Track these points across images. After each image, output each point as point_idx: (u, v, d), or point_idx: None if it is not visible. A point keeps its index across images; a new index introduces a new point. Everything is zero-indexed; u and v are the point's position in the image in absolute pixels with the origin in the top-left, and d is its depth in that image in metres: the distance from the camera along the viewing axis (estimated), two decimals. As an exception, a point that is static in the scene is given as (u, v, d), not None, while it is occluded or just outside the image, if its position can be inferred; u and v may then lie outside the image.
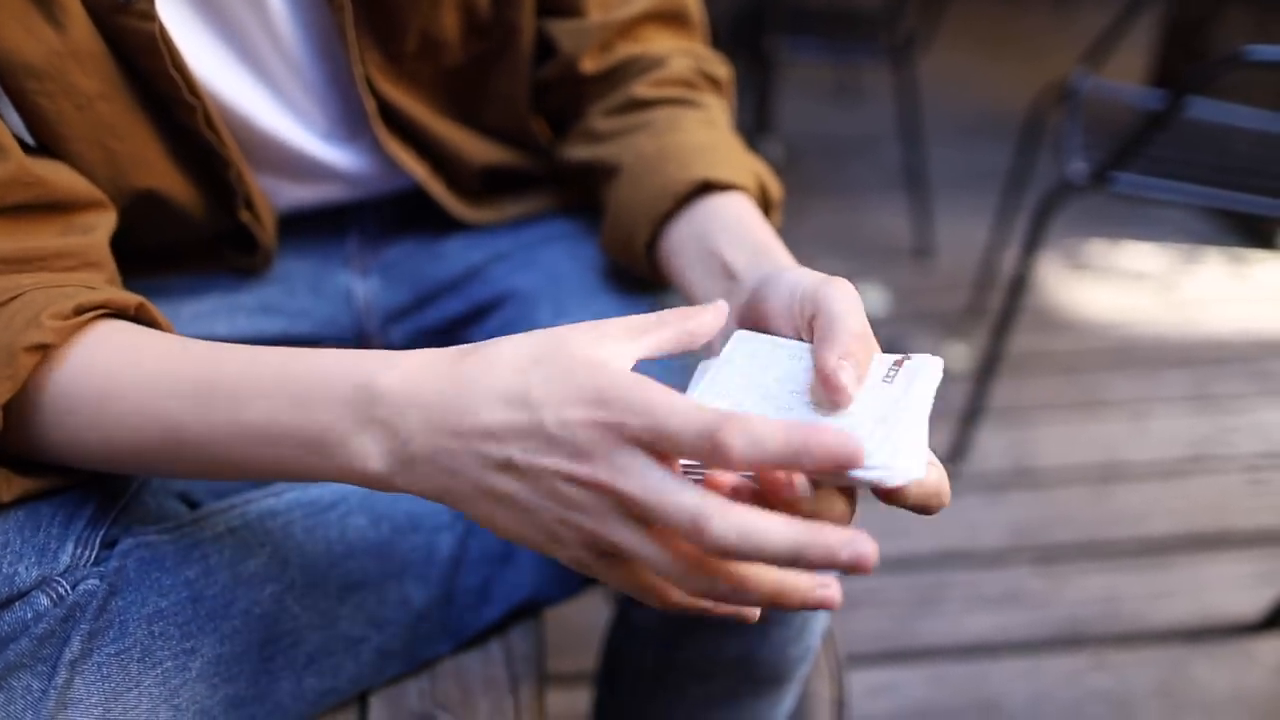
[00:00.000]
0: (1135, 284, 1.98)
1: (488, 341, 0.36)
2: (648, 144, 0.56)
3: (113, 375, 0.38)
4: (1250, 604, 1.23)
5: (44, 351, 0.37)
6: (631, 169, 0.55)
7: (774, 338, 0.42)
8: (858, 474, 0.33)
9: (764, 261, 0.46)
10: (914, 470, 0.33)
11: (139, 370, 0.38)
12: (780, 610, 0.33)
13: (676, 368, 0.55)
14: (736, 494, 0.32)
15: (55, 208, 0.44)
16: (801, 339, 0.41)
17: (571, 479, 0.32)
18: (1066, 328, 1.83)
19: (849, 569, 0.29)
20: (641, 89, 0.58)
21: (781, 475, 0.32)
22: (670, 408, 0.31)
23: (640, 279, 0.61)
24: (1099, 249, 2.10)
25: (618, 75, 0.60)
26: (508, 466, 0.33)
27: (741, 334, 0.43)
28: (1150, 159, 1.22)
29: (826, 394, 0.36)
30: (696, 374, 0.42)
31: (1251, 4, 2.04)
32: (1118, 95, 1.55)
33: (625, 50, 0.59)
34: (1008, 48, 3.35)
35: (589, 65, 0.59)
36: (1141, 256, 2.07)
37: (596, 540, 0.33)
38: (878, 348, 0.39)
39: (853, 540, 0.29)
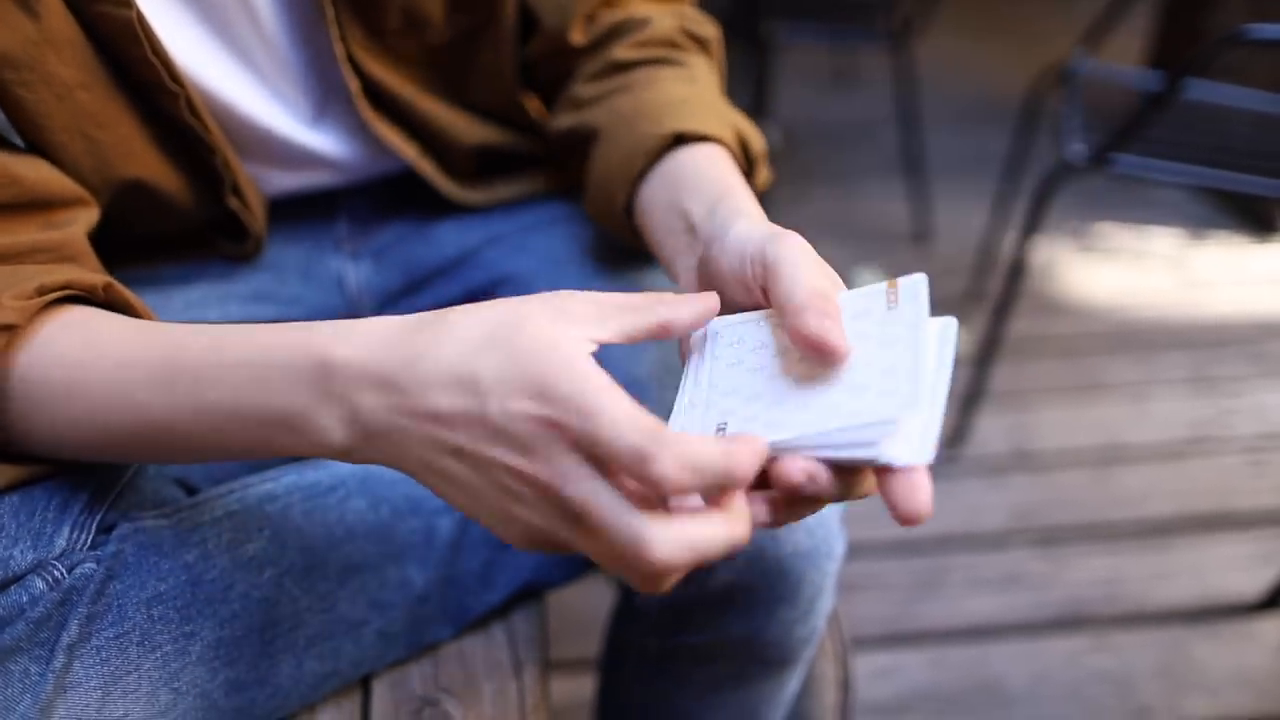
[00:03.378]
0: (1134, 267, 1.97)
1: (445, 311, 0.35)
2: (625, 104, 0.54)
3: (80, 365, 0.37)
4: (1250, 584, 1.23)
5: (9, 334, 0.36)
6: (608, 130, 0.54)
7: (751, 315, 0.39)
8: (862, 456, 0.32)
9: (720, 209, 0.44)
10: (925, 452, 0.32)
11: (103, 359, 0.37)
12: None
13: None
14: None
15: (33, 206, 0.43)
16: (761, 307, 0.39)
17: (515, 473, 0.32)
18: (1066, 311, 1.83)
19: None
20: (622, 51, 0.57)
21: (800, 478, 0.32)
22: (610, 417, 0.30)
23: (641, 262, 0.60)
24: (1097, 232, 2.10)
25: (603, 42, 0.59)
26: (457, 452, 0.32)
27: (715, 324, 0.40)
28: (1149, 140, 1.21)
29: (820, 360, 0.35)
30: (689, 365, 0.40)
31: (1249, -16, 2.03)
32: (1115, 77, 1.54)
33: (611, 17, 0.59)
34: (1004, 32, 3.33)
35: (578, 37, 0.58)
36: (1140, 239, 2.07)
37: (539, 530, 0.33)
38: (844, 286, 0.38)
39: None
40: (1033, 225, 1.28)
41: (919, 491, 0.31)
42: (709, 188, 0.46)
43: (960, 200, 2.17)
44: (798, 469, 0.32)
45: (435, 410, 0.32)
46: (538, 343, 0.32)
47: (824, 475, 0.32)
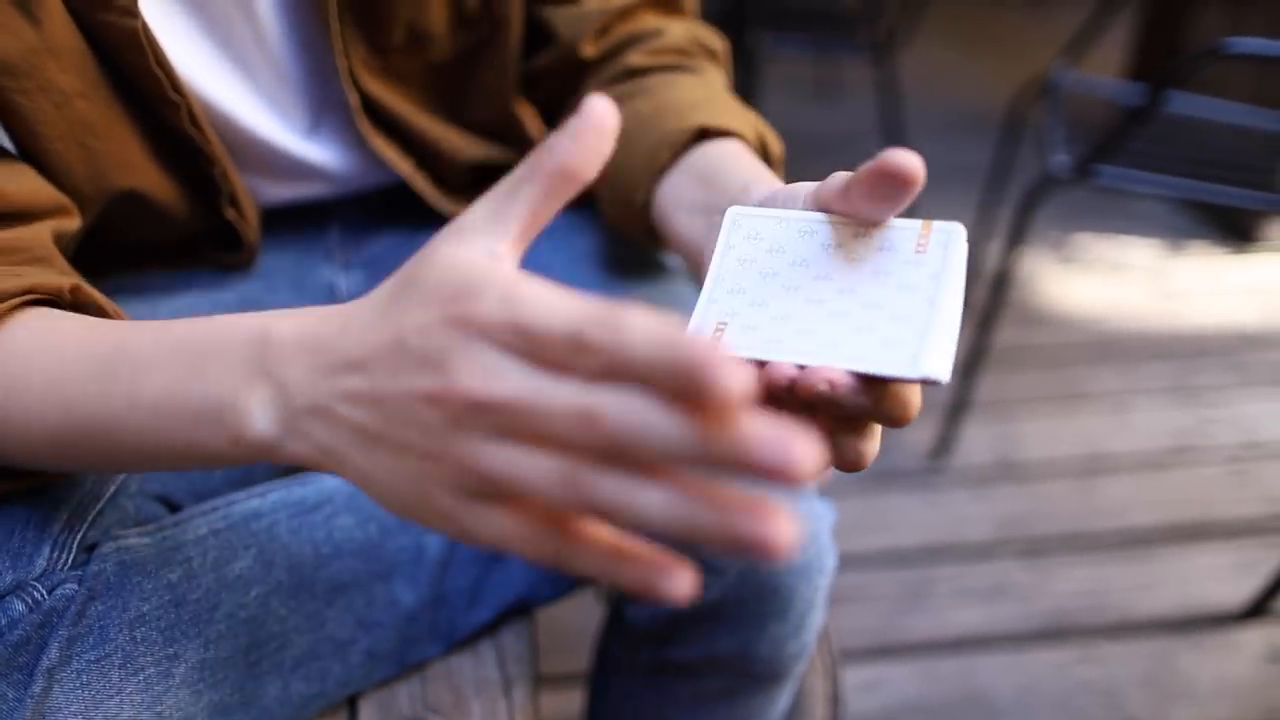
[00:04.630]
0: (1115, 278, 1.99)
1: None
2: (644, 105, 0.53)
3: (26, 361, 0.36)
4: (1233, 593, 1.24)
5: None
6: (627, 131, 0.52)
7: (776, 211, 0.37)
8: (891, 375, 0.31)
9: (755, 189, 0.41)
10: (942, 369, 0.31)
11: (50, 355, 0.36)
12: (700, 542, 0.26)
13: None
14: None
15: (16, 218, 0.42)
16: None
17: (429, 398, 0.27)
18: (1048, 322, 1.84)
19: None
20: (637, 58, 0.57)
21: (822, 388, 0.30)
22: (533, 296, 0.26)
23: (634, 270, 0.60)
24: (1078, 243, 2.11)
25: (615, 52, 0.59)
26: (371, 400, 0.29)
27: (735, 212, 0.37)
28: (1131, 152, 1.22)
29: (896, 184, 0.32)
30: (712, 258, 0.37)
31: (1226, -1, 2.06)
32: (1096, 89, 1.55)
33: (624, 30, 0.59)
34: (986, 44, 3.37)
35: (589, 50, 0.58)
36: (1122, 251, 2.09)
37: (466, 472, 0.27)
38: None
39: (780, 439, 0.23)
40: (1018, 236, 1.29)
41: (909, 407, 0.32)
42: (737, 175, 0.44)
43: (944, 211, 2.17)
44: (821, 378, 0.31)
45: (350, 357, 0.29)
46: (444, 263, 0.29)
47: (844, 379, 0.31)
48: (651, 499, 0.25)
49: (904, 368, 0.31)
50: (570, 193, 0.30)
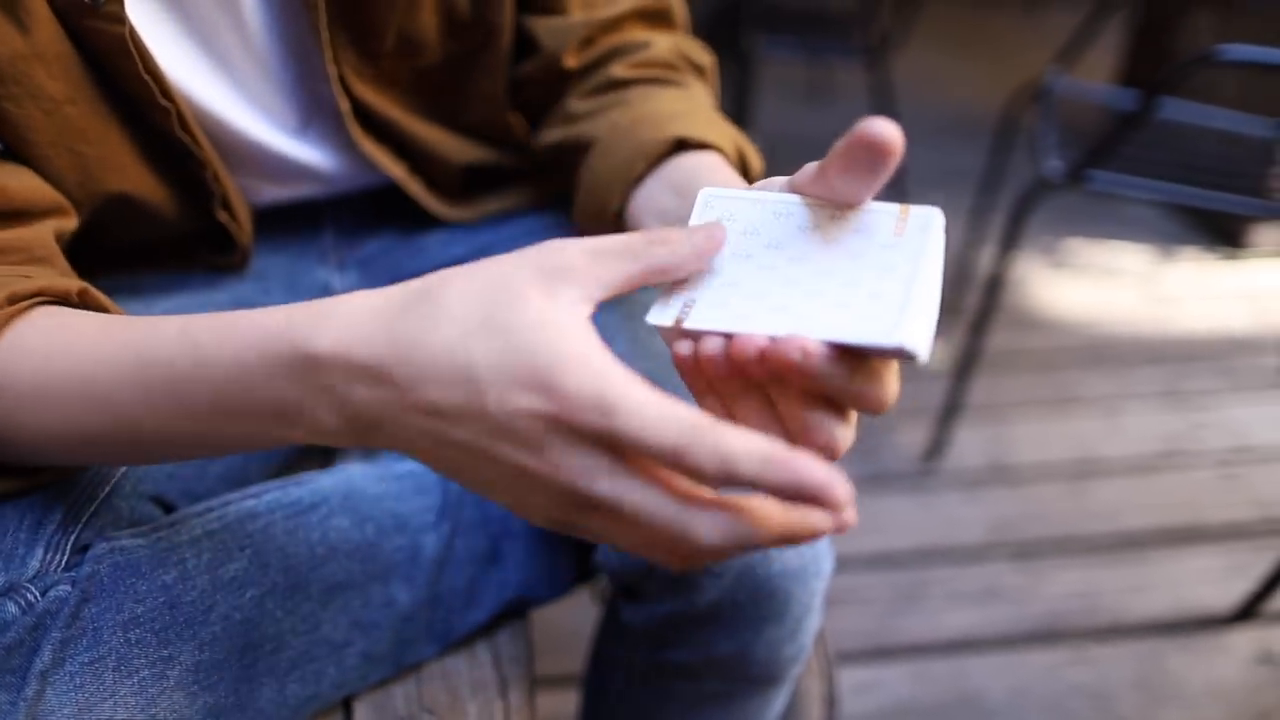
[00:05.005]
0: (1106, 282, 2.00)
1: (430, 286, 0.32)
2: (622, 116, 0.53)
3: (49, 364, 0.35)
4: (1224, 597, 1.25)
5: None
6: (604, 140, 0.52)
7: (750, 192, 0.36)
8: (868, 343, 0.31)
9: None
10: (920, 343, 0.30)
11: (72, 356, 0.35)
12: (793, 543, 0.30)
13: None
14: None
15: (16, 216, 0.42)
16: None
17: (523, 470, 0.29)
18: (1040, 326, 1.85)
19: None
20: (620, 70, 0.56)
21: (794, 356, 0.30)
22: (628, 410, 0.28)
23: None
24: (1069, 248, 2.12)
25: (599, 63, 0.58)
26: (461, 446, 0.30)
27: (707, 193, 0.36)
28: (1124, 157, 1.23)
29: (874, 155, 0.31)
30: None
31: (1216, 5, 2.07)
32: (1089, 94, 1.56)
33: (608, 42, 0.58)
34: (979, 48, 3.38)
35: (571, 61, 0.58)
36: (1113, 255, 2.10)
37: (566, 520, 0.31)
38: None
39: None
40: (1010, 241, 1.29)
41: (886, 386, 0.31)
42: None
43: (936, 215, 2.19)
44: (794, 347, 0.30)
45: (433, 405, 0.30)
46: (534, 322, 0.29)
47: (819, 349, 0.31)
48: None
49: (880, 336, 0.31)
50: (656, 282, 0.34)
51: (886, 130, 0.30)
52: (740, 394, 0.33)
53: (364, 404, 0.31)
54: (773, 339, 0.31)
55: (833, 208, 0.35)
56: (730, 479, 0.27)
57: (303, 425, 0.32)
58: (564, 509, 0.30)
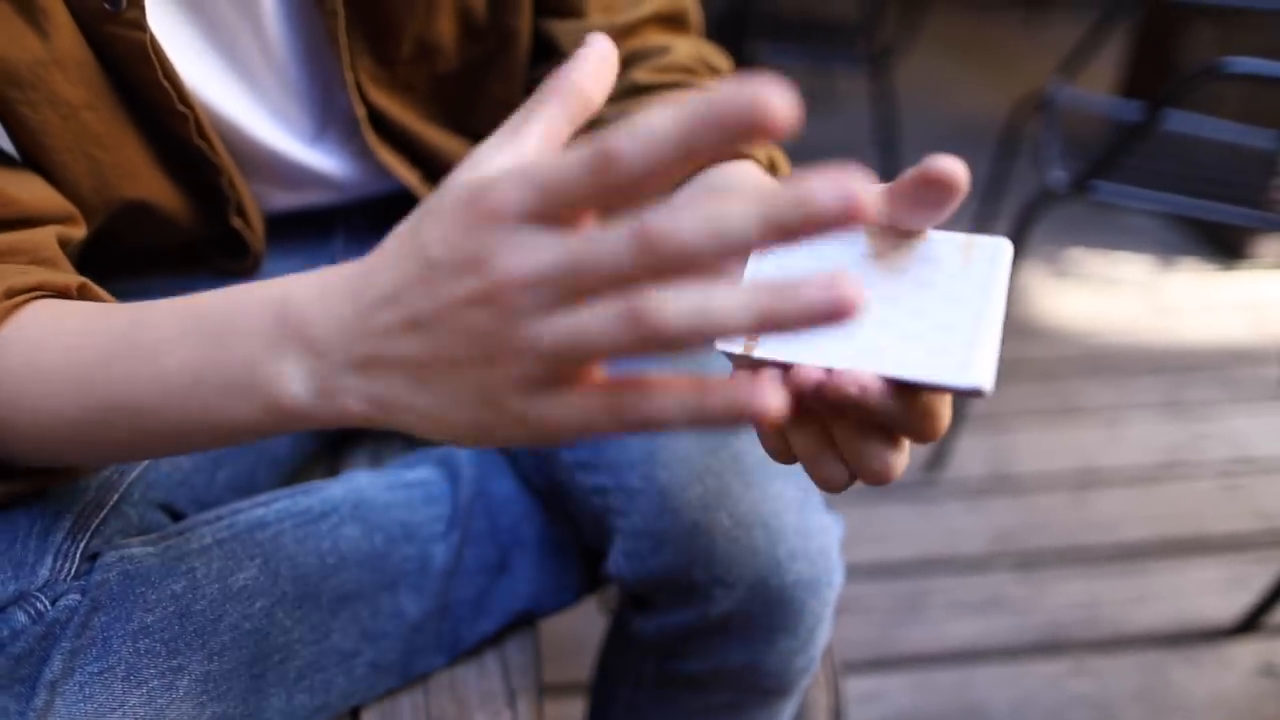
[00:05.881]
0: (1107, 292, 2.00)
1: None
2: None
3: (39, 347, 0.35)
4: (1226, 608, 1.25)
5: None
6: None
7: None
8: (939, 382, 0.30)
9: None
10: (988, 379, 0.30)
11: (60, 337, 0.35)
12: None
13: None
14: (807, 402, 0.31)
15: (25, 224, 0.42)
16: None
17: (475, 299, 0.27)
18: (1042, 335, 1.85)
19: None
20: (642, 75, 0.56)
21: (852, 391, 0.29)
22: (540, 157, 0.27)
23: None
24: (1071, 257, 2.12)
25: (620, 68, 0.58)
26: (414, 325, 0.28)
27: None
28: (1127, 168, 1.23)
29: (941, 191, 0.31)
30: None
31: (1217, 18, 2.08)
32: (1091, 105, 1.57)
33: (628, 46, 0.58)
34: (982, 56, 3.39)
35: None
36: (1115, 266, 2.10)
37: (529, 359, 0.27)
38: None
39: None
40: (1015, 250, 1.29)
41: (940, 419, 0.31)
42: (748, 189, 0.43)
43: (939, 224, 2.19)
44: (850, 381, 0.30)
45: (383, 293, 0.29)
46: (458, 182, 0.29)
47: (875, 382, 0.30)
48: (728, 297, 0.24)
49: (951, 375, 0.31)
50: (582, 116, 0.30)
51: (954, 168, 0.30)
52: (798, 420, 0.33)
53: (329, 340, 0.30)
54: (829, 372, 0.31)
55: (896, 234, 0.35)
56: (659, 154, 0.24)
57: (262, 393, 0.31)
58: (521, 328, 0.27)
